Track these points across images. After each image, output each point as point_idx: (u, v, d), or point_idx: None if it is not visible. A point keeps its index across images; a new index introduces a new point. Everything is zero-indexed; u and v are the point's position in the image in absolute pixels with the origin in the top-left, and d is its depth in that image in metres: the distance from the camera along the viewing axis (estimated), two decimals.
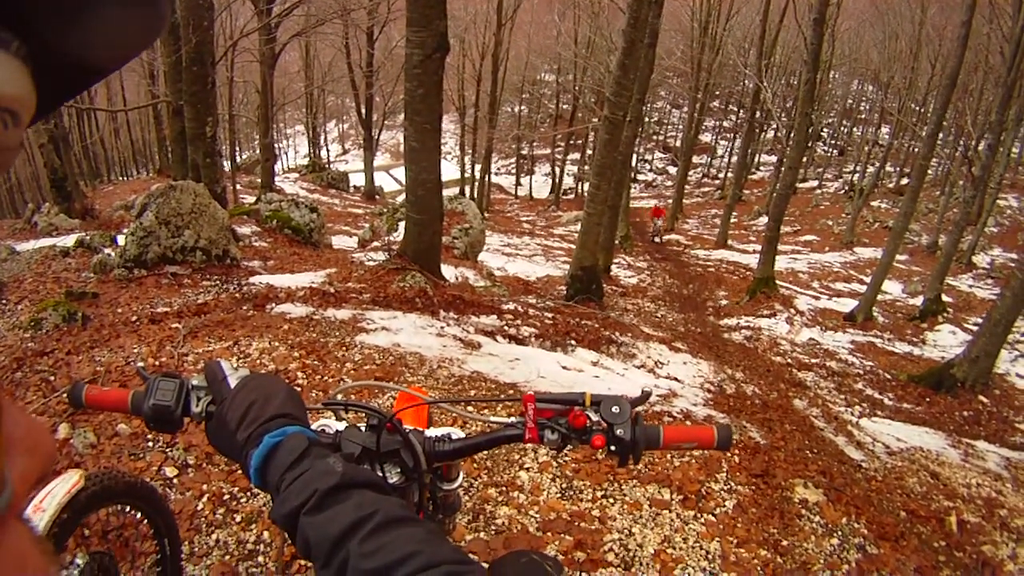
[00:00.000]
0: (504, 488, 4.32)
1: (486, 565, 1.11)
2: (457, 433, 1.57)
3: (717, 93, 58.80)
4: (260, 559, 3.36)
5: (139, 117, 41.61)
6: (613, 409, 1.41)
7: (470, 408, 4.90)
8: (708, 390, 8.13)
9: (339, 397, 1.57)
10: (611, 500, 4.38)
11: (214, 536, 3.42)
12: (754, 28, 35.58)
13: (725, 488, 4.76)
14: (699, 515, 4.38)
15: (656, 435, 1.42)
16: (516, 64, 49.55)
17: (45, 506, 2.04)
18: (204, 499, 3.63)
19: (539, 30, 51.85)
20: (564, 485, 4.46)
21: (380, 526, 0.95)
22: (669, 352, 9.73)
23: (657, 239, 29.55)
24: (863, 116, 59.99)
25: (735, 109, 62.13)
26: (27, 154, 36.16)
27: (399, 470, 1.45)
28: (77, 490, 2.13)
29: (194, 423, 1.37)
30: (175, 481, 3.73)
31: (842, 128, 62.29)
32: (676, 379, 8.30)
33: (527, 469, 4.57)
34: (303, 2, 21.67)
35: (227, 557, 3.34)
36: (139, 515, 2.55)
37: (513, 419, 1.53)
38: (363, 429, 1.46)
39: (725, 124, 64.06)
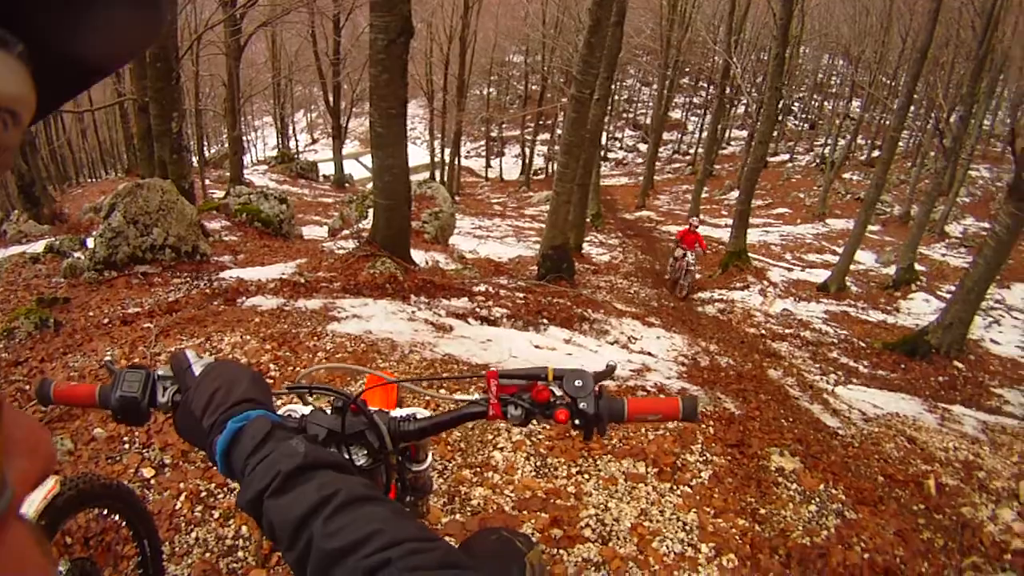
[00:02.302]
0: (478, 469, 4.36)
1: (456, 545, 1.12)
2: (422, 413, 1.57)
3: (687, 70, 58.51)
4: (240, 554, 3.37)
5: (106, 117, 41.08)
6: (576, 383, 1.43)
7: (443, 391, 4.93)
8: (682, 363, 8.18)
9: (303, 382, 1.59)
10: (586, 476, 4.43)
11: (194, 534, 3.43)
12: (723, 4, 35.52)
13: (700, 459, 4.81)
14: (675, 487, 4.43)
15: (620, 408, 1.44)
16: (484, 46, 49.15)
17: (22, 513, 2.04)
18: (182, 498, 3.62)
19: (507, 11, 51.37)
20: (538, 463, 4.50)
21: (343, 505, 0.95)
22: (642, 327, 9.77)
23: (683, 286, 16.69)
24: (834, 90, 59.84)
25: (705, 85, 61.94)
26: None
27: (366, 452, 1.46)
28: (53, 496, 2.12)
29: (163, 416, 1.39)
30: (153, 482, 3.73)
31: (813, 102, 62.21)
32: (650, 354, 8.34)
33: (501, 449, 4.60)
34: None
35: (207, 554, 3.34)
36: (118, 518, 2.55)
37: (477, 396, 1.54)
38: (329, 412, 1.48)
39: (695, 100, 63.92)
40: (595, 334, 8.82)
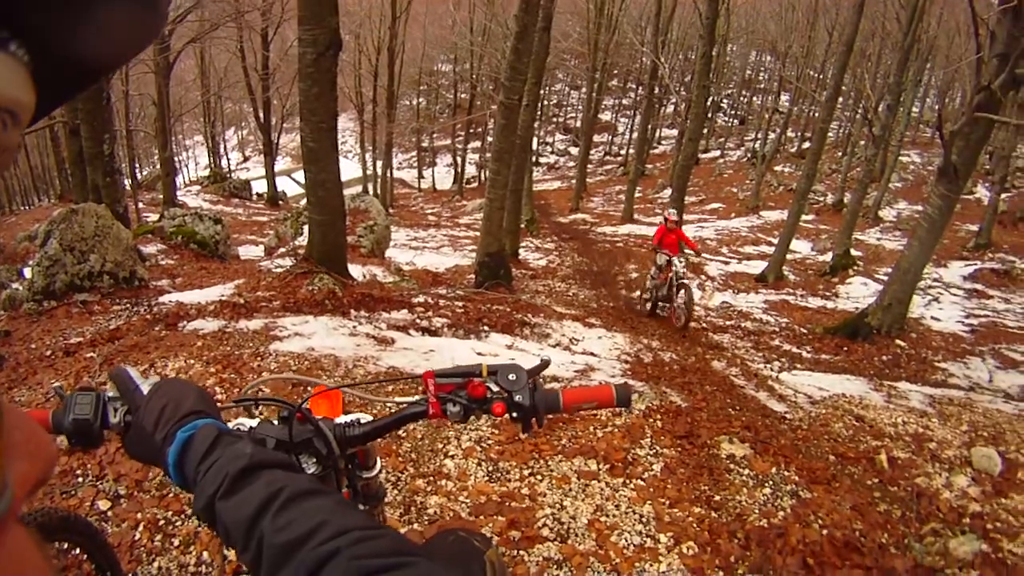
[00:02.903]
0: (431, 478, 4.38)
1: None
2: (366, 417, 1.59)
3: (615, 72, 59.12)
4: None
5: (36, 141, 40.03)
6: (510, 377, 1.47)
7: (386, 399, 4.96)
8: (625, 361, 8.28)
9: (248, 394, 1.61)
10: (539, 477, 4.48)
11: (155, 564, 3.40)
12: (650, 6, 35.69)
13: (651, 452, 4.89)
14: (628, 481, 4.50)
15: (556, 399, 1.48)
16: (412, 56, 49.21)
17: None
18: (140, 528, 3.59)
19: (434, 20, 51.37)
20: (490, 468, 4.55)
21: (289, 500, 0.96)
22: (583, 328, 9.85)
23: (679, 310, 12.69)
24: (762, 86, 60.69)
25: (634, 87, 62.20)
26: None
27: (315, 460, 1.48)
28: None
29: (115, 446, 1.39)
30: (110, 513, 3.68)
31: (742, 98, 63.02)
32: (592, 353, 8.42)
33: (452, 456, 4.64)
34: (196, 7, 21.16)
35: None
36: (79, 551, 2.53)
37: (417, 397, 1.57)
38: (276, 423, 1.50)
39: (624, 102, 64.21)
40: (537, 338, 8.88)
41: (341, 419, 1.58)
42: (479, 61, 45.30)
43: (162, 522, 3.67)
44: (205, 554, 3.49)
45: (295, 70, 13.93)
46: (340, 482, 1.55)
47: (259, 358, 6.04)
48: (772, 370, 10.05)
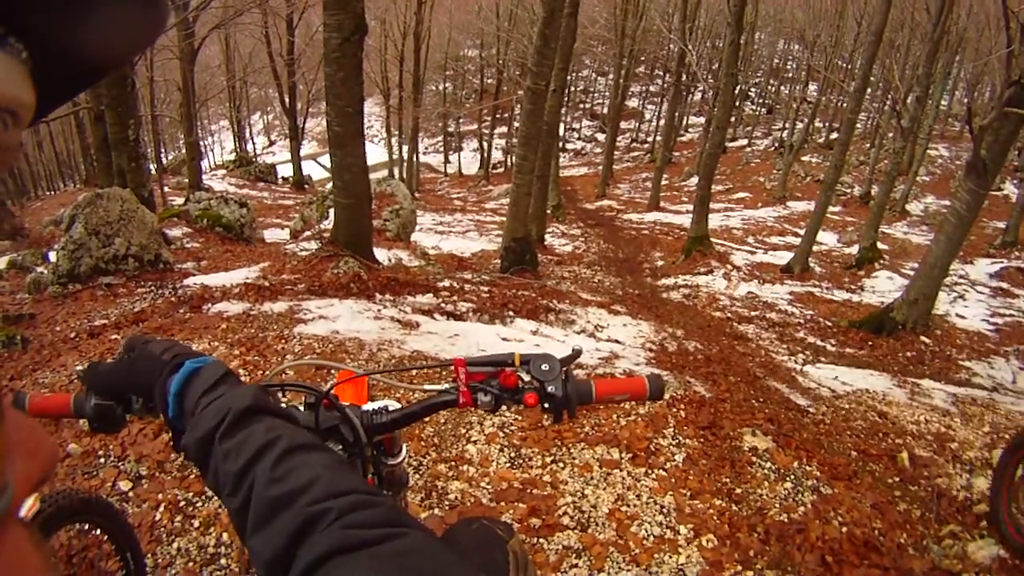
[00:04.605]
0: (453, 463, 4.37)
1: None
2: (394, 405, 1.57)
3: (642, 59, 58.63)
4: (223, 561, 3.37)
5: (61, 128, 40.43)
6: (543, 367, 1.44)
7: (414, 385, 4.95)
8: (650, 349, 8.22)
9: (274, 380, 1.59)
10: (561, 464, 4.45)
11: (175, 544, 3.42)
12: None
13: (673, 443, 4.85)
14: (650, 471, 4.46)
15: (588, 389, 1.45)
16: (439, 41, 49.10)
17: None
18: (161, 508, 3.62)
19: (460, 5, 51.31)
20: (513, 454, 4.53)
21: (287, 451, 0.94)
22: (608, 315, 9.80)
23: None
24: (790, 75, 60.22)
25: (661, 74, 61.85)
26: None
27: (341, 447, 1.46)
28: (34, 513, 2.13)
29: (137, 427, 1.38)
30: (131, 494, 3.72)
31: (770, 87, 62.59)
32: (617, 341, 8.36)
33: (474, 442, 4.63)
34: None
35: (190, 564, 3.34)
36: (100, 533, 2.55)
37: (447, 385, 1.54)
38: (302, 409, 1.48)
39: (652, 89, 63.90)
40: (562, 324, 8.84)
41: (369, 406, 1.56)
42: (505, 46, 45.28)
43: (182, 503, 3.69)
44: (225, 535, 3.51)
45: (321, 55, 13.94)
46: (366, 469, 1.52)
47: (283, 341, 6.07)
48: (796, 363, 9.99)
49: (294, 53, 30.52)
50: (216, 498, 3.66)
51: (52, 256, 9.16)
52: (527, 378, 1.45)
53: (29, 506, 2.13)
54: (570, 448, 4.63)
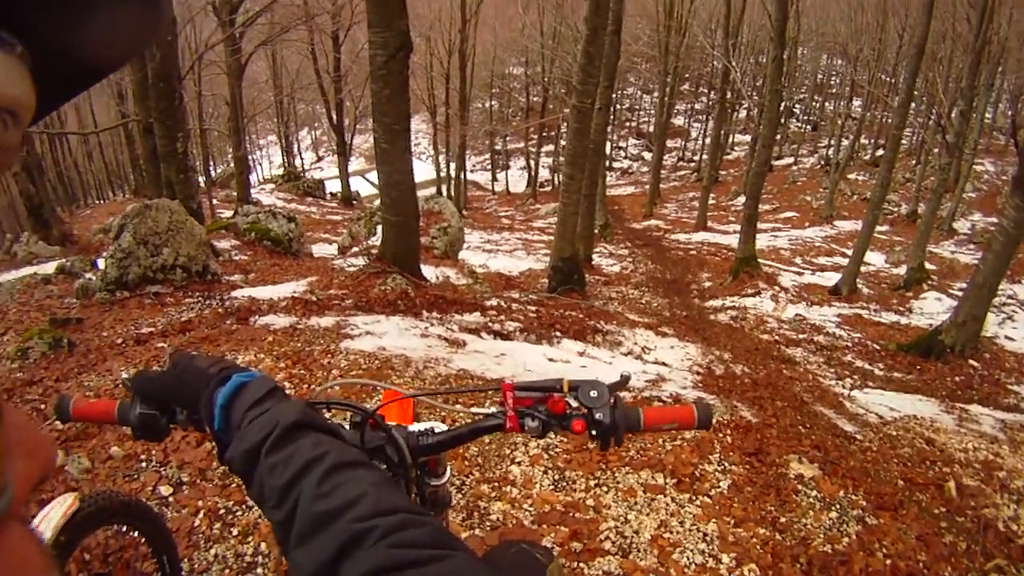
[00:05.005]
0: (496, 484, 4.32)
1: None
2: (440, 427, 1.56)
3: (687, 76, 58.63)
4: (259, 571, 3.37)
5: (111, 139, 41.44)
6: (591, 393, 1.41)
7: (459, 405, 4.92)
8: (697, 372, 8.14)
9: (320, 398, 1.58)
10: (605, 488, 4.38)
11: (212, 551, 3.43)
12: (719, 8, 35.51)
13: (719, 469, 4.77)
14: (694, 497, 4.38)
15: (636, 417, 1.42)
16: (484, 59, 49.30)
17: (42, 529, 2.06)
18: (200, 515, 3.63)
19: (504, 23, 51.60)
20: (556, 477, 4.46)
21: (334, 467, 0.94)
22: (655, 337, 9.74)
23: None
24: (834, 90, 59.83)
25: (706, 91, 61.89)
26: (2, 183, 36.18)
27: (385, 466, 1.45)
28: (73, 512, 2.14)
29: (180, 434, 1.38)
30: (171, 499, 3.73)
31: (814, 103, 62.23)
32: (664, 364, 8.31)
33: (518, 463, 4.57)
34: (266, 11, 21.50)
35: (226, 571, 3.34)
36: (137, 535, 2.56)
37: (494, 409, 1.53)
38: (347, 427, 1.47)
39: (697, 106, 63.80)
40: (609, 345, 8.80)
41: (415, 427, 1.56)
42: (550, 64, 45.42)
43: (222, 511, 3.70)
44: (263, 545, 3.51)
45: (367, 72, 14.04)
46: (409, 489, 1.52)
47: (329, 355, 6.07)
48: (844, 387, 9.88)
49: (340, 70, 30.93)
50: (256, 508, 3.67)
51: (101, 263, 9.29)
52: (575, 404, 1.44)
53: (68, 504, 2.17)
54: (615, 472, 4.57)
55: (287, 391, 4.31)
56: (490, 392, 5.21)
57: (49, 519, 2.10)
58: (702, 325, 13.64)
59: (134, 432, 1.36)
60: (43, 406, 4.84)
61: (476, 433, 1.52)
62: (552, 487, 4.36)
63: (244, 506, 3.74)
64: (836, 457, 5.50)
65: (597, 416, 1.39)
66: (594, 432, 1.40)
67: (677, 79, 40.07)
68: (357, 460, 0.98)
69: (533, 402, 1.45)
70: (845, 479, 4.94)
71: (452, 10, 35.69)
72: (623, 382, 1.49)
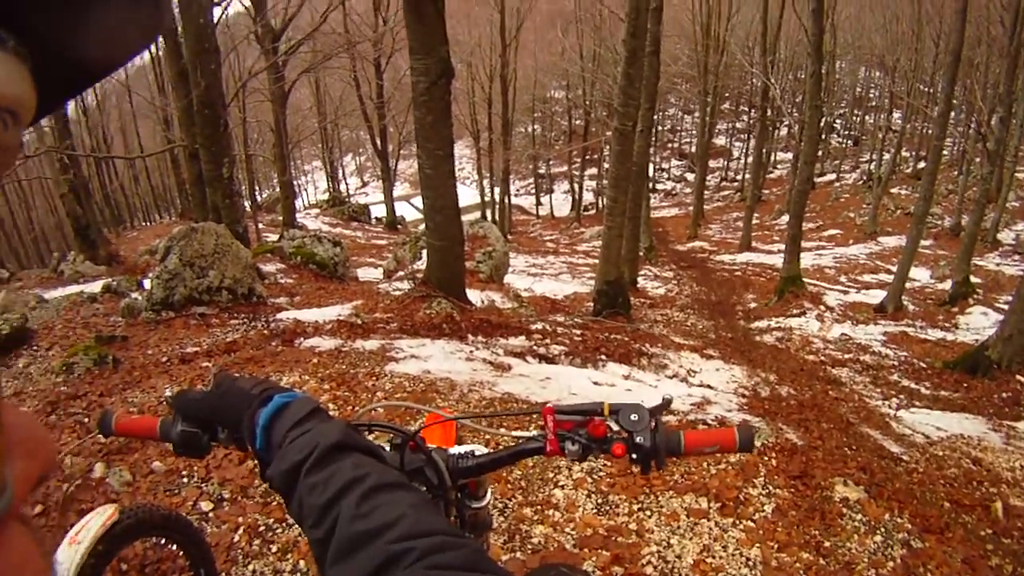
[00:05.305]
0: (539, 507, 4.30)
1: None
2: (481, 449, 1.57)
3: (727, 95, 58.44)
4: None
5: (157, 163, 42.34)
6: (632, 417, 1.40)
7: (501, 428, 4.90)
8: (742, 395, 8.06)
9: (363, 420, 1.59)
10: (648, 512, 4.34)
11: (251, 567, 3.45)
12: (755, 25, 35.35)
13: (763, 492, 4.69)
14: (738, 521, 4.32)
15: (677, 441, 1.41)
16: (525, 83, 49.53)
17: (80, 538, 2.09)
18: (240, 531, 3.65)
19: (544, 47, 51.91)
20: (599, 500, 4.42)
21: (374, 488, 0.95)
22: (701, 360, 9.67)
23: None
24: (873, 103, 59.13)
25: (746, 109, 61.63)
26: (49, 204, 37.35)
27: (425, 488, 1.45)
28: (112, 523, 2.17)
29: (222, 452, 1.39)
30: (211, 515, 3.77)
31: (854, 117, 61.50)
32: (709, 386, 8.23)
33: (561, 487, 4.53)
34: (308, 39, 21.79)
35: None
36: (175, 547, 2.58)
37: (535, 433, 1.53)
38: (388, 449, 1.47)
39: (738, 126, 63.46)
40: (654, 369, 8.75)
41: (455, 450, 1.56)
42: (591, 87, 45.58)
43: (262, 528, 3.71)
44: (302, 563, 3.52)
45: (410, 98, 14.16)
46: (448, 512, 1.52)
47: (374, 378, 6.11)
48: (890, 407, 9.76)
49: (383, 96, 31.16)
50: (297, 526, 3.68)
51: (147, 284, 9.45)
52: (615, 427, 1.43)
53: (108, 515, 2.20)
54: (658, 496, 4.51)
55: (331, 412, 4.36)
56: (534, 416, 5.21)
57: (88, 528, 2.13)
58: (747, 347, 13.53)
59: (175, 449, 1.38)
60: (86, 419, 4.90)
61: (517, 456, 1.52)
62: (595, 511, 4.32)
63: (284, 524, 3.76)
64: (882, 479, 5.40)
65: (638, 440, 1.39)
66: (634, 455, 1.40)
67: (717, 98, 40.06)
68: (397, 482, 0.98)
69: (574, 426, 1.45)
70: (891, 501, 4.85)
71: (492, 35, 36.14)
72: (664, 405, 1.48)
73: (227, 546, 3.55)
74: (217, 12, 13.37)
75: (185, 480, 4.03)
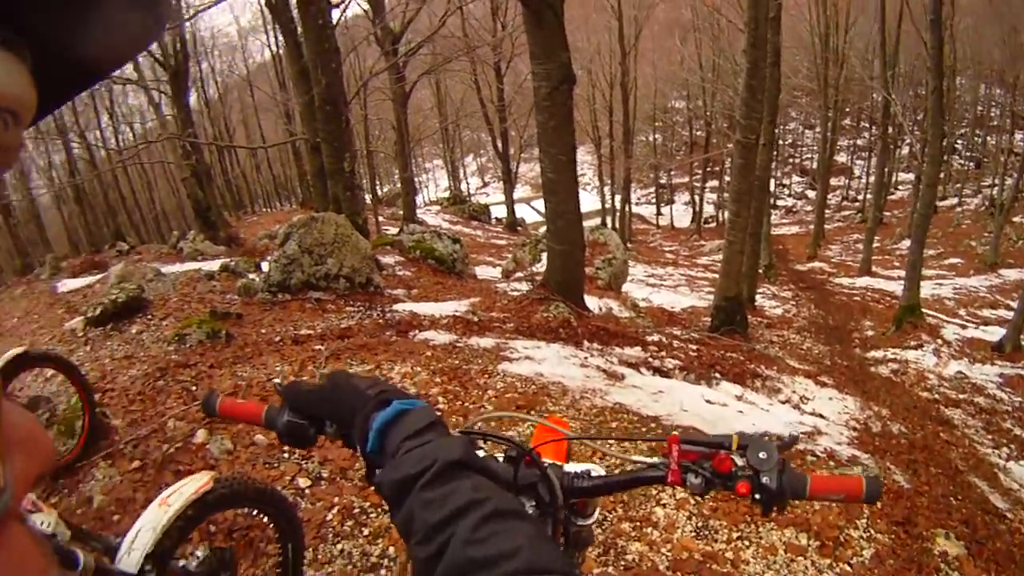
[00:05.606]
0: (638, 523, 4.24)
1: None
2: (597, 470, 1.53)
3: (847, 109, 57.07)
4: (382, 572, 3.41)
5: (279, 154, 43.73)
6: (760, 455, 1.35)
7: (623, 455, 4.86)
8: (853, 428, 7.79)
9: (478, 426, 1.56)
10: (746, 543, 4.24)
11: (339, 546, 3.50)
12: (874, 37, 34.13)
13: (864, 535, 4.53)
14: (835, 564, 4.18)
15: (803, 484, 1.36)
16: (645, 92, 49.29)
17: (172, 502, 2.15)
18: (334, 511, 3.72)
19: (663, 56, 51.46)
20: (700, 524, 4.34)
21: (492, 514, 0.91)
22: (815, 387, 9.42)
23: None
24: (995, 123, 56.57)
25: (867, 126, 59.75)
26: (171, 186, 39.03)
27: (534, 503, 1.42)
28: (205, 491, 2.24)
29: (329, 441, 1.38)
30: (307, 492, 3.85)
31: (976, 138, 59.09)
32: (821, 416, 7.99)
33: (664, 505, 4.47)
34: (427, 42, 22.10)
35: (349, 567, 3.41)
36: (266, 519, 2.64)
37: (656, 460, 1.48)
38: (500, 460, 1.46)
39: (859, 143, 61.50)
40: (767, 392, 8.58)
41: (571, 467, 1.53)
42: (711, 98, 45.22)
43: (357, 510, 3.77)
44: (391, 549, 3.55)
45: (530, 102, 14.22)
46: (556, 529, 1.47)
47: (487, 376, 6.15)
48: (1000, 457, 9.35)
49: (504, 100, 31.41)
50: (373, 487, 3.68)
51: (265, 266, 9.73)
52: (740, 462, 1.38)
53: (203, 483, 2.27)
54: (759, 527, 4.41)
55: (440, 406, 4.38)
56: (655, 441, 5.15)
57: (180, 493, 2.19)
58: (862, 377, 13.10)
59: (280, 438, 1.39)
60: (194, 387, 5.05)
61: (634, 483, 1.49)
62: (694, 534, 4.25)
63: (379, 509, 3.79)
64: (984, 536, 5.18)
65: (764, 480, 1.34)
66: (758, 496, 1.35)
67: (838, 113, 39.14)
68: (516, 511, 0.95)
69: (699, 457, 1.41)
70: (989, 562, 4.65)
71: (611, 43, 36.15)
72: (791, 443, 1.45)
73: (319, 523, 3.62)
74: (336, 14, 13.66)
75: (286, 455, 4.14)
